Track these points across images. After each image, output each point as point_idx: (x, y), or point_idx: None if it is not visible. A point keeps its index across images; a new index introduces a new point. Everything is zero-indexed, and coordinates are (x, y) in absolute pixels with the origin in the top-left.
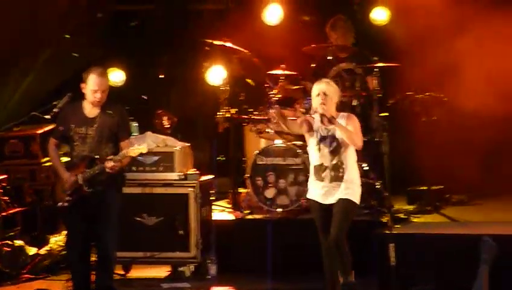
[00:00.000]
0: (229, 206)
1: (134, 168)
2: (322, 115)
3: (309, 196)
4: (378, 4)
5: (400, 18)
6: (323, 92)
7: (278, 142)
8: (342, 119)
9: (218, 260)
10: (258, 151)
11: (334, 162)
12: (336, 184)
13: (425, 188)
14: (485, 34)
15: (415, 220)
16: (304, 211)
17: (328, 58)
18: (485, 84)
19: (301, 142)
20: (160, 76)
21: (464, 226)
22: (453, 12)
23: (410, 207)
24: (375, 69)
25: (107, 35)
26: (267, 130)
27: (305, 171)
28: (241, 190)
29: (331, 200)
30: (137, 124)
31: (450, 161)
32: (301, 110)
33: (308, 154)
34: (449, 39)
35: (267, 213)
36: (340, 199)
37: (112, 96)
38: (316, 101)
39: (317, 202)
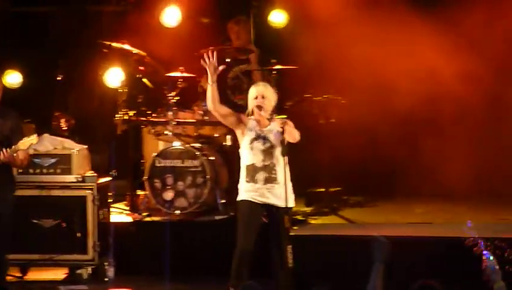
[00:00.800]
0: (127, 208)
1: (31, 171)
2: (259, 117)
3: (241, 197)
4: (276, 7)
5: (297, 20)
6: (261, 95)
7: (177, 144)
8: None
9: (116, 263)
10: (156, 154)
11: (267, 163)
12: (269, 186)
13: (323, 190)
14: (380, 38)
15: (313, 221)
16: (202, 214)
17: (227, 60)
18: (380, 87)
19: (199, 144)
20: (58, 78)
21: (361, 227)
22: (350, 16)
23: (308, 209)
24: (273, 72)
25: (5, 36)
26: (165, 132)
27: (203, 173)
28: (139, 192)
29: (266, 200)
30: (34, 126)
31: (348, 162)
32: (200, 112)
33: (206, 156)
34: (346, 42)
35: (166, 215)
36: (280, 208)
37: (8, 98)
38: (252, 104)
39: (251, 201)
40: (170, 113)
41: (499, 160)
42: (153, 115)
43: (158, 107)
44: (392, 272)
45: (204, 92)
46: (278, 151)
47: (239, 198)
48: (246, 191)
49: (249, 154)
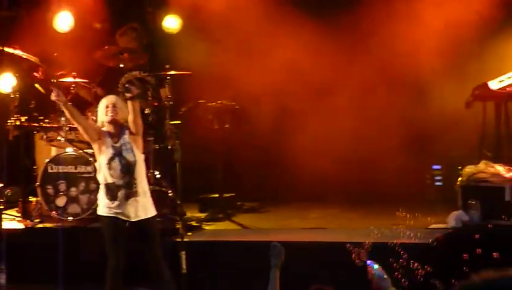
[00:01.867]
0: (19, 215)
1: None
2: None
3: (103, 213)
4: (170, 13)
5: (191, 26)
6: (112, 104)
7: (69, 150)
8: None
9: (8, 270)
10: (48, 160)
11: (127, 180)
12: (131, 201)
13: (216, 195)
14: (272, 44)
15: (207, 227)
16: (95, 220)
17: (120, 66)
18: (274, 93)
19: (92, 150)
20: None
21: (255, 233)
22: (243, 22)
23: (202, 215)
24: (167, 77)
25: None
26: (58, 138)
27: (96, 179)
28: (31, 198)
29: (128, 216)
30: None
31: (242, 168)
32: (93, 118)
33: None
34: (239, 47)
35: (58, 222)
36: (145, 219)
37: None
38: (103, 113)
39: (113, 217)
40: (63, 119)
41: (385, 166)
42: (46, 120)
43: (51, 112)
44: (288, 277)
45: (98, 97)
46: (137, 166)
47: (101, 213)
48: (108, 207)
49: (107, 173)
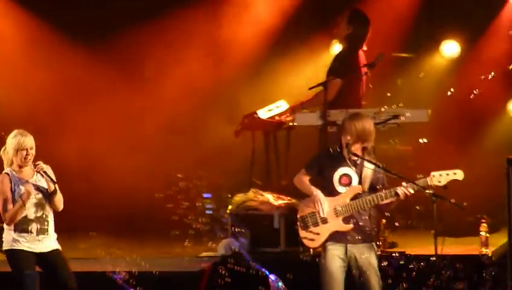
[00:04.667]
0: None
1: None
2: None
3: (12, 246)
4: None
5: None
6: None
7: None
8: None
9: None
10: None
11: (39, 214)
12: (41, 237)
13: None
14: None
15: None
16: None
17: None
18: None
19: None
20: None
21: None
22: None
23: None
24: None
25: None
26: None
27: None
28: None
29: (39, 249)
30: None
31: None
32: None
33: None
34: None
35: None
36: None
37: None
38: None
39: (24, 251)
40: None
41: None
42: None
43: None
44: None
45: None
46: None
47: (8, 247)
48: (18, 241)
49: None
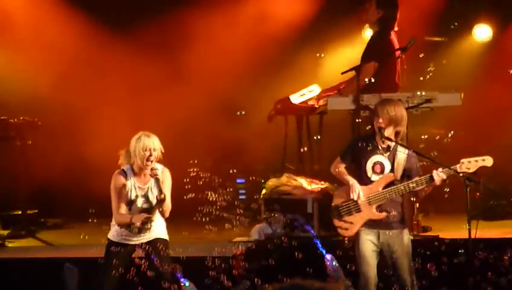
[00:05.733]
0: None
1: None
2: None
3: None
4: None
5: None
6: None
7: None
8: None
9: None
10: None
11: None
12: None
13: (19, 212)
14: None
15: (10, 245)
16: None
17: None
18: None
19: None
20: None
21: (59, 250)
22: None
23: (5, 232)
24: None
25: None
26: None
27: None
28: None
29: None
30: None
31: (45, 184)
32: None
33: None
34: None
35: None
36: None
37: None
38: None
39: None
40: None
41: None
42: None
43: None
44: None
45: None
46: None
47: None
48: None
49: None
